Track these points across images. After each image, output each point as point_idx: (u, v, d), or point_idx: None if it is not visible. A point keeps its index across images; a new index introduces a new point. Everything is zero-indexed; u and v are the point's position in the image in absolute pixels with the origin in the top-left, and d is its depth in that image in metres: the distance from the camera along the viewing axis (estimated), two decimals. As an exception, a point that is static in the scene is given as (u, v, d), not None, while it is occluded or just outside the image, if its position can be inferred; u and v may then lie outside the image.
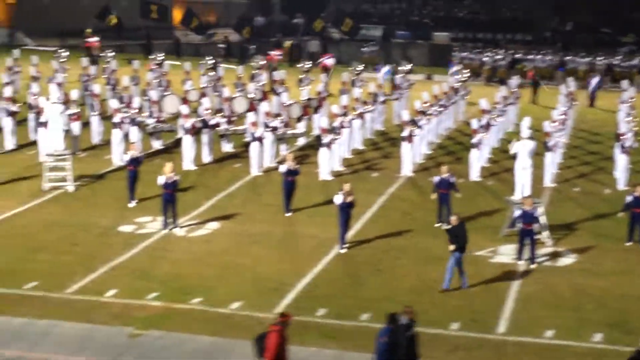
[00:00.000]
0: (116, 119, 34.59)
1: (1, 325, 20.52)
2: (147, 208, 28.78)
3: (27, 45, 64.96)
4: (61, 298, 22.18)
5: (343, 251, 25.67)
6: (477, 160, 34.15)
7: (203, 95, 40.41)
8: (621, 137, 33.85)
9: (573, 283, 23.76)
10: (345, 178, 32.63)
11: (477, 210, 29.64)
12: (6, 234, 26.69)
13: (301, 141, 38.76)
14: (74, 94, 37.37)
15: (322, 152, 33.50)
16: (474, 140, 34.01)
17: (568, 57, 66.18)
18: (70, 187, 30.99)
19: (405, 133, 34.43)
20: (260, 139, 34.11)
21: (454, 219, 23.54)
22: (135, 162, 29.52)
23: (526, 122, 29.47)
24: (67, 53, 51.19)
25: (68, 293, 22.47)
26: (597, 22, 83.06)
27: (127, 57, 57.87)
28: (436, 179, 28.48)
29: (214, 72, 46.86)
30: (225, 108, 38.31)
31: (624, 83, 49.65)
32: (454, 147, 40.12)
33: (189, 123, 34.64)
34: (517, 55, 66.79)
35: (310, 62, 51.41)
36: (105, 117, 37.76)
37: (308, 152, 36.57)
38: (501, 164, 35.95)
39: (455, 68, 53.34)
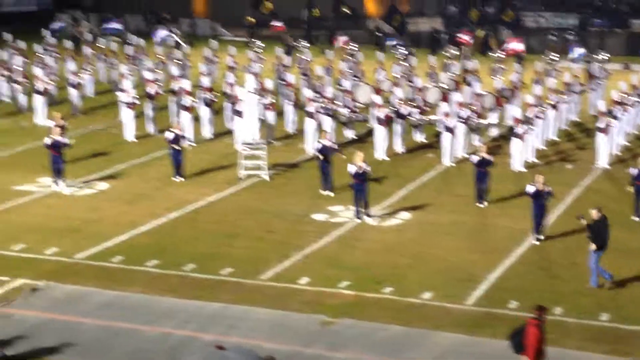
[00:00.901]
0: (310, 108, 34.99)
1: (199, 309, 21.07)
2: (340, 197, 29.01)
3: (224, 36, 66.35)
4: (255, 284, 22.61)
5: (537, 243, 25.30)
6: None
7: (396, 85, 40.43)
8: None
9: None
10: (538, 169, 32.12)
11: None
12: (204, 220, 27.39)
13: (494, 132, 38.33)
14: (269, 84, 37.98)
15: (515, 142, 33.05)
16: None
17: None
18: (265, 175, 31.53)
19: (601, 124, 33.63)
20: (452, 130, 33.91)
21: (594, 213, 22.67)
22: (327, 151, 29.77)
23: None
24: (262, 44, 52.10)
25: (262, 280, 22.88)
26: None
27: (320, 46, 58.35)
28: (633, 171, 27.72)
29: (406, 62, 46.78)
30: (417, 98, 38.23)
31: None
32: (653, 138, 38.95)
33: (381, 113, 34.75)
34: None
35: (503, 51, 50.78)
36: (299, 106, 38.21)
37: (500, 143, 36.12)
38: None
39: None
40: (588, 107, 42.79)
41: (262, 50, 49.77)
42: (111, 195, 29.77)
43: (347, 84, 39.89)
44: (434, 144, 36.15)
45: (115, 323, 20.34)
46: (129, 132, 36.81)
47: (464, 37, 48.60)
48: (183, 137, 31.66)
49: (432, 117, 37.01)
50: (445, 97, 38.02)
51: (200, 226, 26.88)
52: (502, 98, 39.19)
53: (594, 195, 30.26)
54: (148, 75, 40.99)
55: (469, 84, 42.66)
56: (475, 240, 25.86)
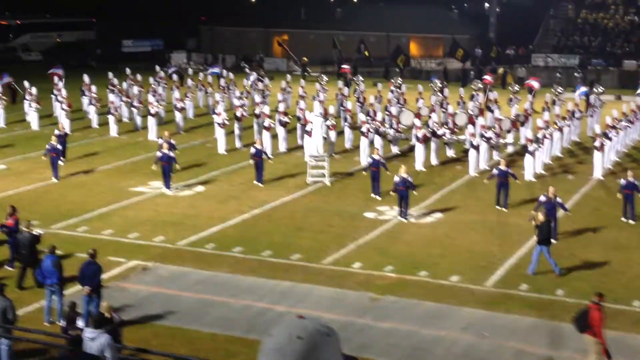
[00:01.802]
0: (363, 128, 34.92)
1: (273, 287, 21.15)
2: (386, 200, 28.92)
3: (296, 71, 66.49)
4: (318, 267, 22.63)
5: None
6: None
7: (432, 111, 40.18)
8: None
9: None
10: (545, 180, 31.78)
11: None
12: (279, 216, 27.46)
13: (510, 149, 37.95)
14: (332, 109, 37.99)
15: (527, 158, 32.70)
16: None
17: None
18: (327, 181, 31.53)
19: (597, 143, 33.15)
20: (477, 147, 33.65)
21: (541, 215, 22.22)
22: (376, 163, 29.70)
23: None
24: (327, 78, 52.16)
25: (324, 264, 22.89)
26: None
27: (373, 80, 58.24)
28: (622, 181, 27.32)
29: (441, 93, 46.47)
30: (449, 121, 37.99)
31: None
32: (639, 155, 38.24)
33: (420, 133, 34.60)
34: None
35: (518, 85, 50.29)
36: (355, 127, 38.15)
37: (515, 158, 35.73)
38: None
39: (641, 90, 50.73)
40: (587, 130, 42.15)
41: (326, 83, 49.79)
42: (206, 195, 29.96)
43: (393, 109, 39.75)
44: (461, 158, 35.88)
45: (207, 296, 20.49)
46: (221, 146, 37.01)
47: (488, 78, 48.29)
48: (263, 151, 31.77)
49: (461, 136, 36.73)
50: (471, 121, 37.71)
51: (276, 221, 26.95)
52: (517, 122, 38.80)
53: (590, 201, 29.86)
54: (236, 101, 41.22)
55: (491, 111, 42.32)
56: (494, 235, 25.62)
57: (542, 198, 24.91)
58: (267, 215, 27.62)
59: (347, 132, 38.41)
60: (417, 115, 38.45)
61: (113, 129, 40.59)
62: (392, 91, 46.61)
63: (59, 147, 31.72)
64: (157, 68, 53.17)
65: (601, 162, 33.29)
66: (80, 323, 16.95)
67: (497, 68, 65.06)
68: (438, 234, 25.78)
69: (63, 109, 41.39)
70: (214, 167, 34.01)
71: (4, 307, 16.08)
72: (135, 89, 46.78)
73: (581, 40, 71.84)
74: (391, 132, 36.91)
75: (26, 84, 43.90)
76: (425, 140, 34.61)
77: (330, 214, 27.72)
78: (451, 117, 38.68)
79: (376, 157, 29.96)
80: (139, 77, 49.34)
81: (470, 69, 64.96)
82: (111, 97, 43.46)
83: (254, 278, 21.67)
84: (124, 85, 47.41)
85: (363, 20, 78.20)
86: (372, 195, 29.59)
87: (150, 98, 41.29)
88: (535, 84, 47.50)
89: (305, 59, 67.84)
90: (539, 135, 34.00)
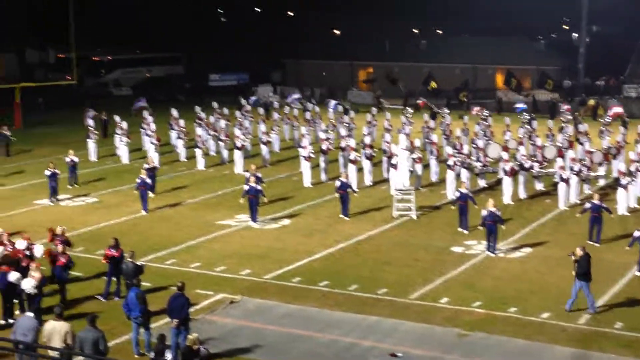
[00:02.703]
0: (450, 162, 34.72)
1: (360, 321, 21.06)
2: (474, 234, 28.62)
3: (381, 104, 66.61)
4: (405, 302, 22.46)
5: (638, 274, 24.38)
6: None
7: (520, 143, 39.71)
8: None
9: None
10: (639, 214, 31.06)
11: None
12: (365, 250, 27.40)
13: (602, 182, 37.18)
14: (417, 142, 37.87)
15: (620, 191, 31.98)
16: None
17: None
18: (413, 215, 31.37)
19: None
20: (566, 180, 33.07)
21: (578, 251, 21.70)
22: (464, 197, 29.44)
23: None
24: (412, 110, 52.15)
25: (410, 299, 22.72)
26: None
27: (459, 112, 57.90)
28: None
29: (529, 125, 45.94)
30: (537, 154, 37.47)
31: None
32: None
33: (508, 166, 34.20)
34: None
35: (609, 115, 49.43)
36: (442, 160, 37.94)
37: (607, 192, 34.95)
38: None
39: None
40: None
41: (411, 115, 49.74)
42: (291, 229, 30.11)
43: (480, 142, 39.42)
44: (551, 192, 35.29)
45: (293, 330, 20.52)
46: (307, 179, 37.22)
47: (582, 109, 47.79)
48: (349, 184, 31.83)
49: (550, 170, 36.17)
50: (560, 154, 37.14)
51: (362, 255, 26.90)
52: (609, 155, 38.04)
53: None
54: (322, 135, 41.46)
55: (581, 143, 41.63)
56: (586, 271, 25.04)
57: (637, 233, 24.36)
58: (353, 248, 27.59)
59: (433, 165, 38.23)
60: (505, 148, 38.03)
61: (200, 162, 41.24)
62: (478, 124, 46.29)
63: (148, 180, 32.38)
64: (243, 101, 53.94)
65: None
66: (168, 355, 17.19)
67: (587, 99, 63.99)
68: (527, 269, 25.34)
69: (152, 142, 42.28)
70: (300, 201, 34.19)
71: (96, 339, 16.40)
72: (222, 123, 47.56)
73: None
74: (478, 165, 36.59)
75: (117, 118, 45.04)
76: (513, 174, 34.18)
77: (417, 248, 27.54)
78: (540, 149, 38.13)
79: (464, 190, 29.69)
80: (225, 110, 50.12)
81: (560, 101, 64.01)
82: (198, 130, 44.22)
83: (340, 312, 21.62)
84: (211, 118, 48.20)
85: (448, 52, 78.08)
86: (460, 229, 29.31)
87: (237, 131, 41.86)
88: (618, 109, 46.75)
89: (379, 91, 68.19)
90: (632, 168, 33.23)
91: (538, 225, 30.61)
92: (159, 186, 35.34)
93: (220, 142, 43.51)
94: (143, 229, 29.88)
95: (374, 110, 52.76)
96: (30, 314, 17.55)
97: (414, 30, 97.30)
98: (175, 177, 39.09)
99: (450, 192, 33.68)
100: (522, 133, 43.38)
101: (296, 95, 57.22)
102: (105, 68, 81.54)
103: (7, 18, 78.72)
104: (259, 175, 32.16)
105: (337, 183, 31.58)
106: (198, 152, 41.54)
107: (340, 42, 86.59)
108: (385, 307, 22.01)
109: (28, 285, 20.01)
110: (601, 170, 37.05)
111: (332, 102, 53.55)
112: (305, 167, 37.50)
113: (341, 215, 31.29)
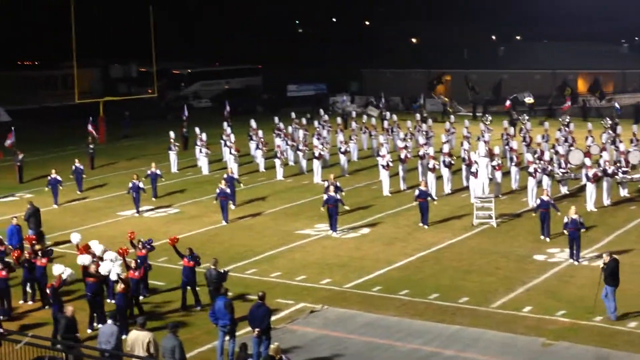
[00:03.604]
0: (530, 169, 34.23)
1: (441, 330, 20.90)
2: (556, 241, 28.15)
3: (460, 111, 66.14)
4: (487, 311, 22.22)
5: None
6: None
7: (603, 149, 38.98)
8: None
9: None
10: None
11: None
12: (445, 259, 27.21)
13: (689, 188, 36.22)
14: (497, 149, 37.48)
15: None
16: None
17: None
18: (493, 223, 31.03)
19: None
20: (652, 186, 32.34)
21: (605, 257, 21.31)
22: (545, 204, 28.98)
23: None
24: (491, 117, 51.64)
25: (492, 307, 22.47)
26: None
27: (539, 119, 57.11)
28: (537, 200, 27.75)
29: (612, 131, 45.03)
30: (621, 160, 36.70)
31: None
32: None
33: (591, 172, 33.57)
34: None
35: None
36: (522, 167, 37.46)
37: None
38: None
39: None
40: None
41: (490, 122, 49.22)
42: (371, 238, 30.07)
43: (561, 149, 38.77)
44: (635, 198, 34.53)
45: (374, 339, 20.47)
46: (385, 188, 37.15)
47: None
48: (428, 192, 31.66)
49: (635, 175, 35.38)
50: (645, 159, 36.33)
51: (442, 263, 26.72)
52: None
53: None
54: (400, 143, 41.35)
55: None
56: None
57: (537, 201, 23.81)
58: (433, 257, 27.41)
59: (514, 172, 37.76)
60: (587, 154, 37.34)
61: (279, 173, 41.52)
62: (559, 130, 45.56)
63: (229, 191, 32.74)
64: (322, 112, 54.16)
65: None
66: (250, 364, 17.34)
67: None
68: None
69: (232, 153, 42.74)
70: (379, 210, 34.12)
71: (173, 346, 16.69)
72: (301, 133, 47.83)
73: None
74: (559, 172, 36.00)
75: (197, 130, 45.69)
76: (597, 180, 33.52)
77: (498, 256, 27.22)
78: (624, 155, 37.34)
79: (545, 198, 29.24)
80: (303, 121, 50.39)
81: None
82: (277, 141, 44.53)
83: (421, 321, 21.50)
84: (290, 129, 48.50)
85: (527, 58, 77.14)
86: (542, 237, 28.87)
87: (315, 141, 42.03)
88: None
89: (446, 98, 67.77)
90: None
91: (623, 232, 29.96)
92: (238, 197, 35.68)
93: (299, 152, 43.74)
94: (224, 239, 30.22)
95: (452, 117, 52.42)
96: (110, 321, 17.87)
97: (492, 37, 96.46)
98: (255, 187, 39.41)
99: (531, 199, 33.22)
100: (605, 138, 42.54)
101: (345, 98, 56.73)
102: (185, 81, 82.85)
103: (94, 33, 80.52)
104: (338, 184, 32.22)
105: (416, 191, 31.45)
106: (277, 163, 41.83)
107: (418, 50, 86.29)
108: (467, 316, 21.80)
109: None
110: (688, 176, 36.07)
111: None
112: (384, 175, 37.44)
113: (421, 224, 31.14)
